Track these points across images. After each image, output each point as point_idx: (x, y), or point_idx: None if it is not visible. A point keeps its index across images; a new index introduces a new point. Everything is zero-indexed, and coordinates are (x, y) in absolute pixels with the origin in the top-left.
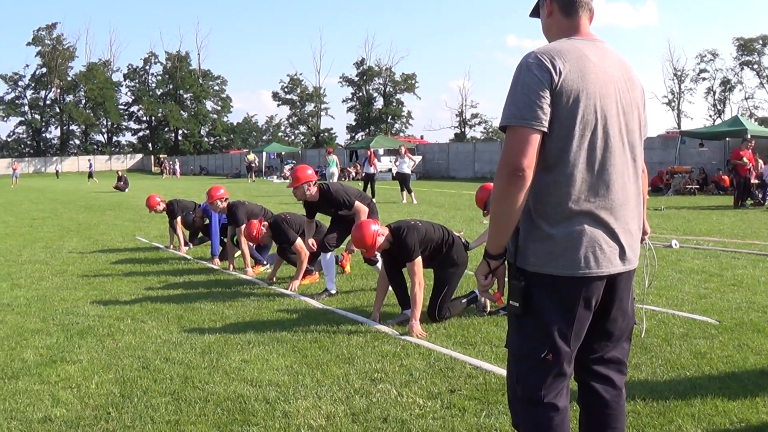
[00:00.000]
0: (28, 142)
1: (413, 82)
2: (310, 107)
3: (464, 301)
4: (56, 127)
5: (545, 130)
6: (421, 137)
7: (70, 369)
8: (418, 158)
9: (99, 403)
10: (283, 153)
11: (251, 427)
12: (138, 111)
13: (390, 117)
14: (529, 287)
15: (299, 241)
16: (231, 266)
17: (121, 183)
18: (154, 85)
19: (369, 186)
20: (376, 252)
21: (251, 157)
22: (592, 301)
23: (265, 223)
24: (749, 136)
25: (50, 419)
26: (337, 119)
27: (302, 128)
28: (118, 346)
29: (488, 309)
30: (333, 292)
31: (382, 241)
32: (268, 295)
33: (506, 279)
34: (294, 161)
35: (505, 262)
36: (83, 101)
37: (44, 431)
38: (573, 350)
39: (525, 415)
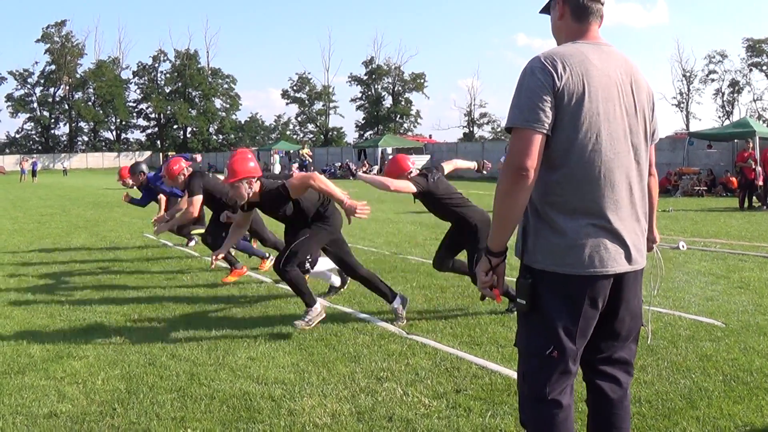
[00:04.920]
0: (37, 139)
1: (422, 81)
2: (318, 106)
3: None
4: (65, 124)
5: (547, 132)
6: (430, 136)
7: (76, 365)
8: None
9: (105, 399)
10: (291, 151)
11: (257, 424)
12: (147, 108)
13: (399, 116)
14: (536, 285)
15: (198, 198)
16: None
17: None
18: (163, 82)
19: None
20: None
21: (306, 151)
22: (599, 301)
23: (190, 169)
24: (757, 139)
25: (56, 414)
26: (346, 118)
27: (311, 126)
28: (125, 342)
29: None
30: (337, 284)
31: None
32: (275, 293)
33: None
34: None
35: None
36: (92, 98)
37: (50, 427)
38: (578, 349)
39: (530, 413)
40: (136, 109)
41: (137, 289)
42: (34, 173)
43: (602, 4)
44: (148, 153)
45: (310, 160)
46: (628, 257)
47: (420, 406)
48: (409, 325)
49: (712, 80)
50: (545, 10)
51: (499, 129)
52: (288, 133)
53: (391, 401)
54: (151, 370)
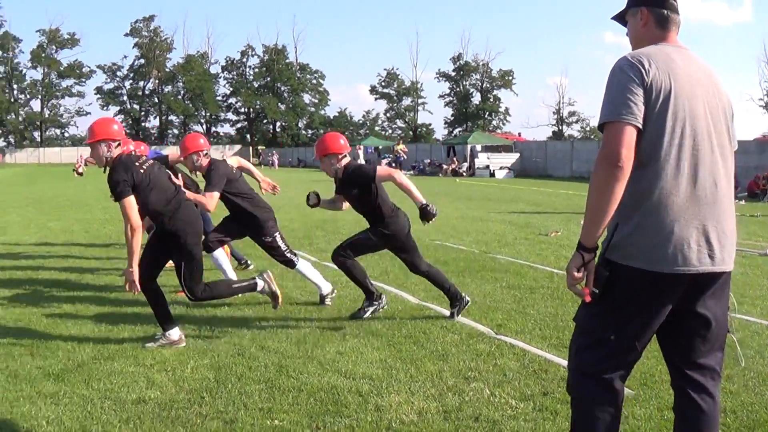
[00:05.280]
0: (128, 131)
1: (510, 78)
2: (407, 101)
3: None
4: (155, 117)
5: (640, 125)
6: (519, 134)
7: (165, 353)
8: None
9: (193, 387)
10: (380, 147)
11: (343, 419)
12: (236, 103)
13: (487, 113)
14: (614, 278)
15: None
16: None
17: None
18: (251, 77)
19: None
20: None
21: (401, 147)
22: (673, 298)
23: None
24: None
25: (144, 401)
26: (435, 114)
27: (399, 122)
28: (215, 332)
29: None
30: (324, 292)
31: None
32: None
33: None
34: (390, 155)
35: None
36: (181, 92)
37: (137, 412)
38: (639, 343)
39: (576, 386)
40: (225, 103)
41: None
42: None
43: (679, 15)
44: (238, 146)
45: (405, 157)
46: (712, 257)
47: (507, 407)
48: (497, 325)
49: None
50: (618, 17)
51: (588, 128)
52: (377, 128)
53: (478, 401)
54: (240, 360)
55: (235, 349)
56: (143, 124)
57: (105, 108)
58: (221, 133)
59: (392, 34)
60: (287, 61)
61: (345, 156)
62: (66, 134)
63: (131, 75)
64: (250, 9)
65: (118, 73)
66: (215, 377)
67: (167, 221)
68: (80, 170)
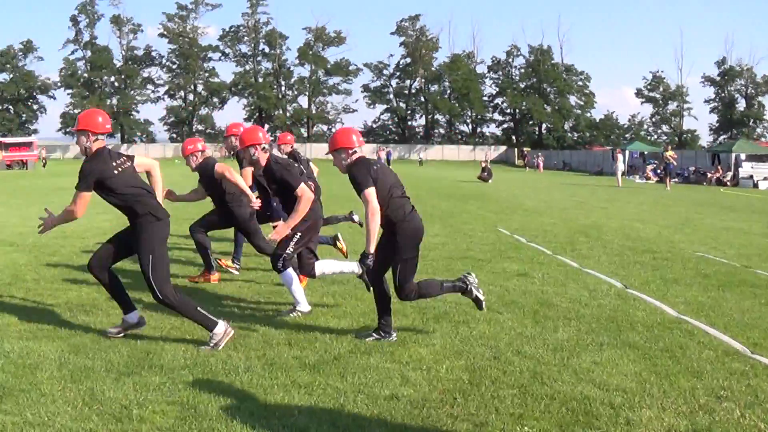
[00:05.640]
0: (393, 129)
1: None
2: (672, 106)
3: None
4: (420, 116)
5: None
6: None
7: (422, 351)
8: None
9: (447, 388)
10: (645, 152)
11: (593, 430)
12: (502, 103)
13: (752, 120)
14: None
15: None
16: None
17: (485, 174)
18: (517, 78)
19: None
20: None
21: (670, 153)
22: None
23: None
24: None
25: (397, 397)
26: (700, 120)
27: (665, 127)
28: (472, 334)
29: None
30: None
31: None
32: (621, 296)
33: None
34: (656, 161)
35: None
36: (447, 91)
37: (389, 408)
38: None
39: None
40: (491, 104)
41: (488, 282)
42: (388, 162)
43: None
44: (503, 147)
45: (675, 164)
46: None
47: (755, 430)
48: (753, 344)
49: None
50: None
51: None
52: (642, 133)
53: (728, 422)
54: (495, 364)
55: (491, 353)
56: (409, 122)
57: (371, 106)
58: (487, 134)
59: (657, 35)
60: (552, 62)
61: (355, 152)
62: (332, 131)
63: (397, 73)
64: (514, 8)
65: (384, 72)
66: (469, 379)
67: (132, 217)
68: None
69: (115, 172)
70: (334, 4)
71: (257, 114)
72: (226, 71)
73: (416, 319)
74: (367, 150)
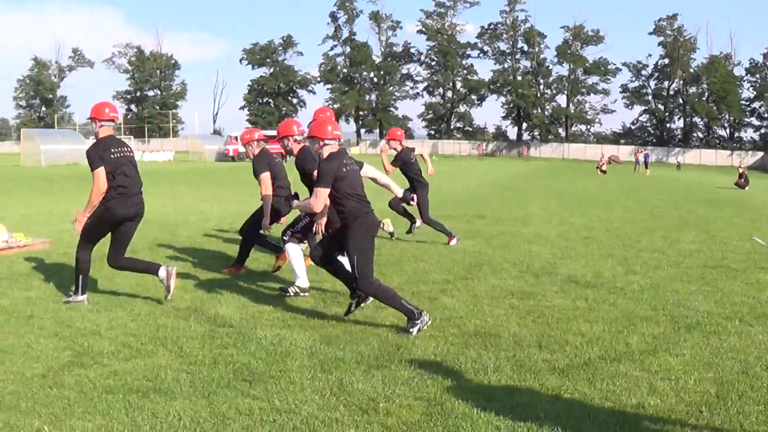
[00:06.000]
0: (652, 131)
1: None
2: None
3: None
4: (679, 118)
5: None
6: None
7: (671, 361)
8: None
9: (693, 400)
10: None
11: None
12: (760, 107)
13: None
14: None
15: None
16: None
17: (742, 180)
18: None
19: None
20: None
21: None
22: None
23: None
24: None
25: (643, 407)
26: None
27: None
28: (722, 346)
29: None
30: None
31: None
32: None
33: None
34: None
35: None
36: (705, 94)
37: (635, 418)
38: None
39: None
40: (748, 108)
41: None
42: (646, 165)
43: None
44: (760, 153)
45: None
46: None
47: None
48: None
49: None
50: None
51: None
52: None
53: None
54: (743, 378)
55: (740, 366)
56: (667, 124)
57: (629, 107)
58: (744, 139)
59: None
60: None
61: (326, 143)
62: (591, 130)
63: (655, 74)
64: None
65: (643, 72)
66: (717, 392)
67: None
68: (603, 168)
69: (111, 157)
70: (592, 3)
71: (515, 112)
72: (484, 69)
73: (668, 328)
74: (625, 152)
